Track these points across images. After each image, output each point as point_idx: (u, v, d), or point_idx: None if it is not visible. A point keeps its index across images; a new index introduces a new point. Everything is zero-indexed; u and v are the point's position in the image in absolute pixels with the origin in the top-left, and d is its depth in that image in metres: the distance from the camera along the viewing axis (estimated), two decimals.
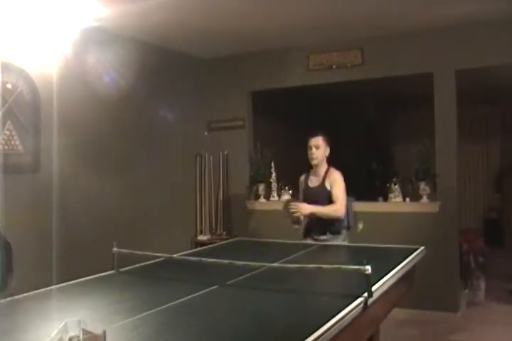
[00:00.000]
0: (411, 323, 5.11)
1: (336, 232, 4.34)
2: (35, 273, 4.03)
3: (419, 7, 4.76)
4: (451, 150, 5.41)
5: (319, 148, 4.35)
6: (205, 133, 6.56)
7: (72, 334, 1.60)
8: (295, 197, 4.54)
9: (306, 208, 4.20)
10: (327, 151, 4.40)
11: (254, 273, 2.91)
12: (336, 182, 4.33)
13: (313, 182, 4.44)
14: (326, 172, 4.39)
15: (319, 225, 4.33)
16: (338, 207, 4.23)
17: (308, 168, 4.53)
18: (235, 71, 6.45)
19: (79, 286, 2.85)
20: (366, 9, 4.80)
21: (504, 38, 5.11)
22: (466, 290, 5.75)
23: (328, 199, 4.31)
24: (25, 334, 1.99)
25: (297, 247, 4.07)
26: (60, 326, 1.61)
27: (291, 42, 5.91)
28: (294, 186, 5.02)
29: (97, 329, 1.59)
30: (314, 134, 4.39)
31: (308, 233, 4.40)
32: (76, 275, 2.96)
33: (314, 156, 4.35)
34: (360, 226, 5.58)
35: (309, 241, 4.35)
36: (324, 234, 4.32)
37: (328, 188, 4.33)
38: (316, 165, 4.40)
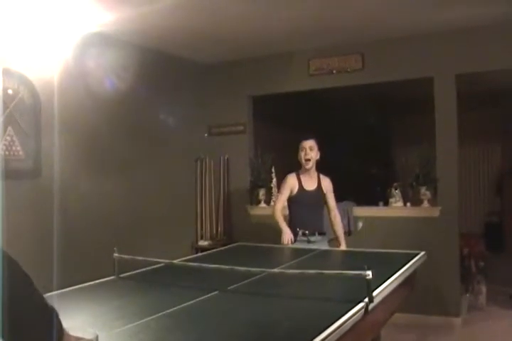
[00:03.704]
0: (412, 328, 5.10)
1: (323, 233, 4.62)
2: (35, 278, 4.02)
3: (419, 12, 4.77)
4: (451, 154, 5.41)
5: (313, 150, 4.54)
6: (205, 135, 6.56)
7: None
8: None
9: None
10: (318, 155, 4.60)
11: (254, 278, 2.91)
12: (331, 189, 4.70)
13: (308, 184, 4.62)
14: (319, 177, 4.63)
15: (309, 226, 4.53)
16: (339, 217, 4.77)
17: (295, 168, 4.66)
18: (235, 76, 6.45)
19: (79, 292, 2.85)
20: (366, 14, 4.81)
21: (504, 42, 5.11)
22: (467, 295, 5.74)
23: (322, 201, 4.67)
24: None
25: (298, 252, 4.08)
26: None
27: (292, 47, 5.92)
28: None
29: (88, 334, 1.59)
30: (307, 137, 4.60)
31: (296, 234, 4.51)
32: (77, 281, 2.95)
33: (309, 157, 4.54)
34: (360, 225, 5.62)
35: (305, 247, 4.40)
36: (314, 234, 4.54)
37: (325, 192, 4.65)
38: (310, 168, 4.55)
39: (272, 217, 4.58)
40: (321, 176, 4.67)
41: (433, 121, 5.47)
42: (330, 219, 4.69)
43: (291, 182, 4.61)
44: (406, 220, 5.51)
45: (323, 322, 2.07)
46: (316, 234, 4.53)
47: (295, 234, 4.47)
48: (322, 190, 4.62)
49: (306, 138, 4.57)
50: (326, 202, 4.68)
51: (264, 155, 6.27)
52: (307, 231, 4.48)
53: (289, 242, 4.34)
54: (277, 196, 4.74)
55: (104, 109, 5.12)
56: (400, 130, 10.18)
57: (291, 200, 4.62)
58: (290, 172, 4.71)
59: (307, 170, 4.58)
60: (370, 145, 9.84)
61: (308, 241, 4.47)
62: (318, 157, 4.59)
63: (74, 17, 4.46)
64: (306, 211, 4.55)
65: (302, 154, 4.54)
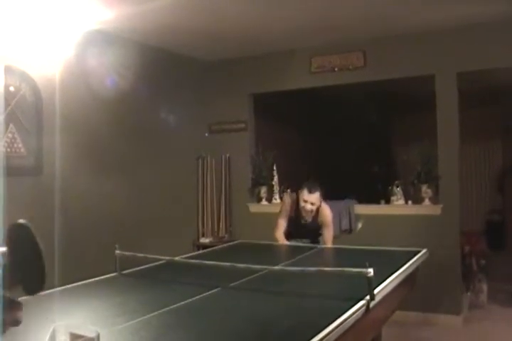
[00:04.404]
0: (413, 326, 5.10)
1: (316, 237, 4.61)
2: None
3: (420, 9, 4.76)
4: (453, 152, 5.41)
5: (314, 205, 4.39)
6: (206, 134, 6.56)
7: (61, 338, 1.61)
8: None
9: None
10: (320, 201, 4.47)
11: (256, 275, 2.91)
12: (327, 223, 4.52)
13: (304, 217, 4.50)
14: (317, 210, 4.47)
15: (301, 232, 4.54)
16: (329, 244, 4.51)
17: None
18: (236, 73, 6.45)
19: (81, 289, 2.85)
20: (368, 12, 4.80)
21: (505, 40, 5.10)
22: (469, 293, 5.74)
23: (317, 230, 4.57)
24: (26, 337, 1.99)
25: (299, 250, 4.08)
26: (49, 332, 1.62)
27: (293, 44, 5.91)
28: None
29: (90, 332, 1.60)
30: (312, 189, 4.38)
31: (288, 238, 4.56)
32: (78, 278, 2.96)
33: (308, 209, 4.39)
34: (360, 224, 5.62)
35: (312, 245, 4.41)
36: (305, 238, 4.56)
37: (319, 223, 4.51)
38: (309, 217, 4.50)
39: (277, 241, 4.56)
40: (322, 207, 4.48)
41: (434, 120, 5.46)
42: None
43: (290, 208, 4.55)
44: (407, 218, 5.51)
45: (324, 320, 2.08)
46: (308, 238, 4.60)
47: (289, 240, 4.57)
48: (317, 223, 4.52)
49: (311, 190, 4.37)
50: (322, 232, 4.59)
51: (266, 153, 6.26)
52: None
53: None
54: (278, 220, 4.58)
55: (106, 107, 5.11)
56: (402, 128, 10.16)
57: (288, 224, 4.59)
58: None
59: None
60: (372, 144, 9.83)
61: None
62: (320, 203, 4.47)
63: (75, 14, 4.46)
64: (302, 233, 4.57)
65: (303, 205, 4.38)
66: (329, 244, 4.50)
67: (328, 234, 4.52)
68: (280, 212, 4.60)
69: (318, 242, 4.59)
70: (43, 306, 2.47)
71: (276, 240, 4.53)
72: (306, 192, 4.35)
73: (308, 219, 4.48)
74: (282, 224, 4.55)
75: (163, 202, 5.77)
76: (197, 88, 6.44)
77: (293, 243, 4.50)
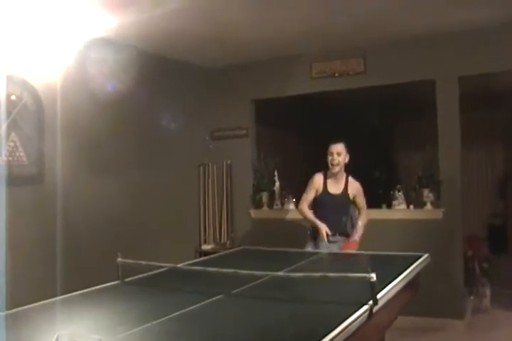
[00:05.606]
0: (416, 331, 5.08)
1: (346, 234, 4.57)
2: (39, 284, 4.03)
3: (420, 14, 4.78)
4: (454, 156, 5.41)
5: (340, 155, 4.51)
6: (206, 138, 6.55)
7: None
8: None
9: (355, 245, 4.49)
10: (347, 158, 4.58)
11: (259, 282, 2.90)
12: (360, 193, 4.62)
13: (334, 188, 4.59)
14: (347, 180, 4.55)
15: (331, 228, 4.48)
16: (366, 219, 4.66)
17: (323, 168, 4.61)
18: (237, 80, 6.46)
19: (84, 297, 2.85)
20: (368, 17, 4.82)
21: (506, 44, 5.11)
22: (472, 297, 5.72)
23: (348, 206, 4.61)
24: None
25: (302, 256, 4.07)
26: (53, 340, 1.62)
27: (294, 50, 5.92)
28: (302, 184, 5.01)
29: (92, 340, 1.60)
30: (336, 141, 4.57)
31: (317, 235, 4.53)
32: (81, 286, 2.96)
33: (335, 162, 4.50)
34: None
35: (312, 250, 4.40)
36: (335, 235, 4.50)
37: (351, 197, 4.59)
38: (337, 172, 4.53)
39: (302, 215, 4.66)
40: (350, 180, 4.61)
41: (436, 124, 5.46)
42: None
43: (317, 183, 4.60)
44: (409, 222, 5.50)
45: (327, 326, 2.07)
46: (337, 234, 4.52)
47: (316, 232, 4.52)
48: (348, 195, 4.58)
49: (335, 142, 4.55)
50: (355, 204, 4.66)
51: (267, 159, 6.27)
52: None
53: (328, 235, 4.40)
54: (303, 195, 4.68)
55: (107, 115, 5.12)
56: (403, 132, 10.16)
57: (315, 201, 4.64)
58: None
59: (334, 174, 4.56)
60: (373, 148, 9.82)
61: (328, 241, 4.47)
62: (347, 160, 4.57)
63: (77, 22, 4.47)
64: (329, 213, 4.53)
65: (329, 159, 4.51)
66: (365, 215, 4.63)
67: (361, 202, 4.63)
68: (307, 188, 4.65)
69: (345, 234, 4.56)
70: (45, 315, 2.47)
71: (301, 213, 4.64)
72: (330, 145, 4.53)
73: (338, 190, 4.56)
74: (306, 198, 4.62)
75: (165, 209, 5.78)
76: (198, 95, 6.45)
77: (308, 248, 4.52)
